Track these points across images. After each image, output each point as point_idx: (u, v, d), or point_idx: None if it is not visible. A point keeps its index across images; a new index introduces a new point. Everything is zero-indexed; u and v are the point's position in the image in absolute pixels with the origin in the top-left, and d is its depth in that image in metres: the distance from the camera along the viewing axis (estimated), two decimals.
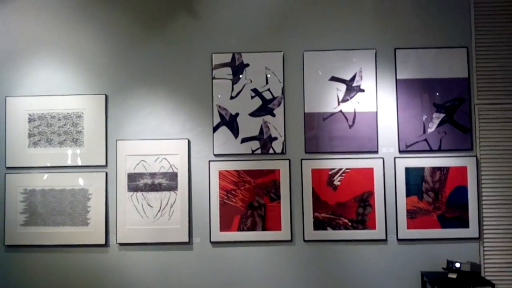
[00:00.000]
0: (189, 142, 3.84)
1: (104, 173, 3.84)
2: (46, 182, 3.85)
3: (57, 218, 3.83)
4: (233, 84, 3.86)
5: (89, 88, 3.90)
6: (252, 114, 3.84)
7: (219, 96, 3.85)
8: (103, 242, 3.82)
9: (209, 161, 3.83)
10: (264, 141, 3.84)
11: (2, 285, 3.85)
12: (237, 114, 3.84)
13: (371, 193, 3.77)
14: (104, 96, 3.87)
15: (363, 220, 3.76)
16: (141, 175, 3.83)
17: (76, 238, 3.82)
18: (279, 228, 3.79)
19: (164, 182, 3.82)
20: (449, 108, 3.80)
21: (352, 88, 3.82)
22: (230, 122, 3.85)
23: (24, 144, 3.86)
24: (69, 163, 3.85)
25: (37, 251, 3.85)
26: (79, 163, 3.85)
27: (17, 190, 3.85)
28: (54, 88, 3.91)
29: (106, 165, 3.86)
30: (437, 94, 3.81)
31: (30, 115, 3.88)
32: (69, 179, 3.84)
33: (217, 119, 3.85)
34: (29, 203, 3.84)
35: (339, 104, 3.82)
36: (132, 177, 3.83)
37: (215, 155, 3.84)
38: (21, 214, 3.84)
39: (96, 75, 3.91)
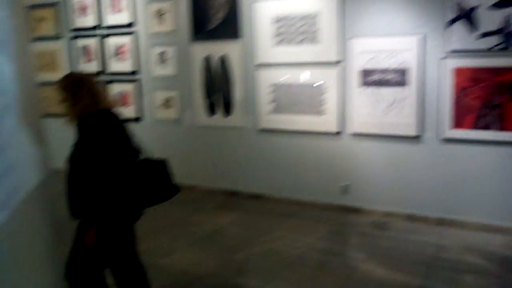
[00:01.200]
0: (421, 38, 3.75)
1: (338, 69, 4.08)
2: (288, 77, 4.30)
3: (297, 107, 4.29)
4: None
5: None
6: (495, 5, 3.51)
7: None
8: (336, 130, 4.16)
9: (443, 57, 3.71)
10: (507, 36, 3.50)
11: (258, 157, 4.61)
12: (476, 7, 3.56)
13: None
14: None
15: None
16: (372, 71, 3.95)
17: (312, 126, 4.25)
18: None
19: (395, 78, 3.87)
20: None
21: None
22: (467, 16, 3.61)
23: (270, 43, 4.34)
24: (307, 60, 4.20)
25: (281, 134, 4.44)
26: (316, 60, 4.16)
27: (265, 83, 4.41)
28: None
29: (340, 62, 4.08)
30: None
31: (274, 17, 4.29)
32: (306, 74, 4.22)
33: (453, 13, 3.63)
34: (275, 95, 4.38)
35: None
36: (364, 73, 3.99)
37: (450, 51, 3.68)
38: (269, 104, 4.42)
39: None
